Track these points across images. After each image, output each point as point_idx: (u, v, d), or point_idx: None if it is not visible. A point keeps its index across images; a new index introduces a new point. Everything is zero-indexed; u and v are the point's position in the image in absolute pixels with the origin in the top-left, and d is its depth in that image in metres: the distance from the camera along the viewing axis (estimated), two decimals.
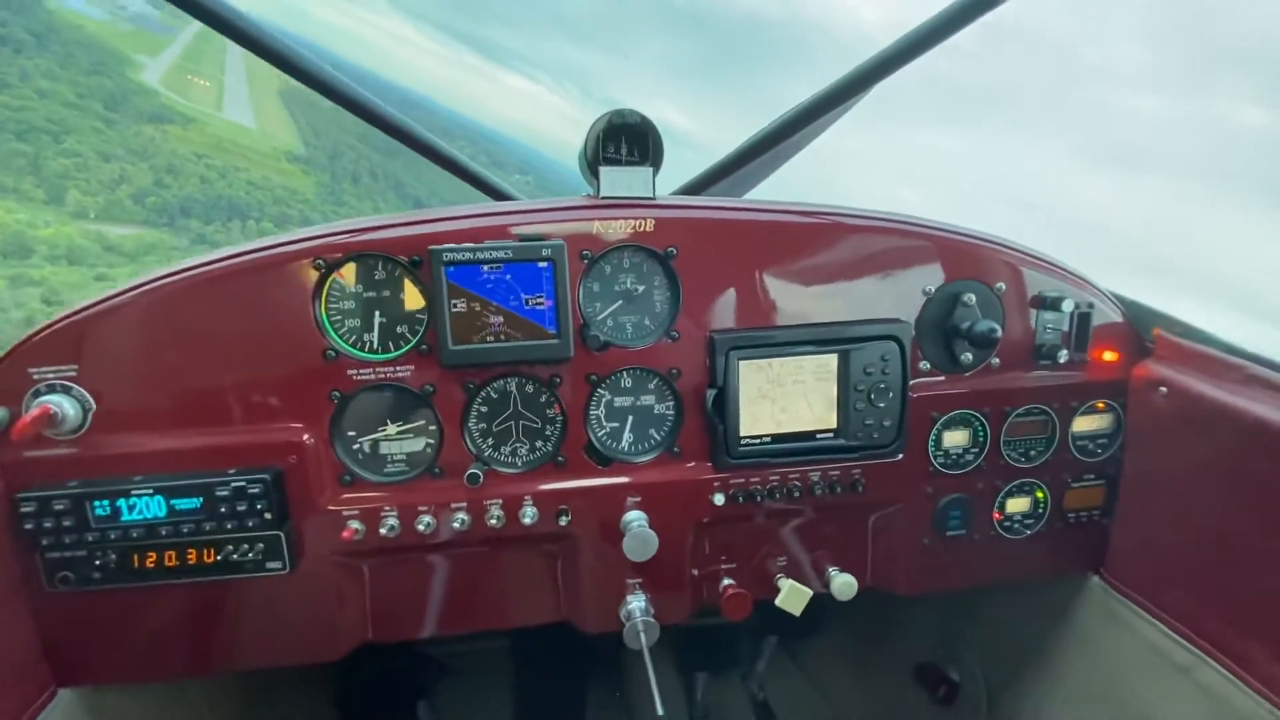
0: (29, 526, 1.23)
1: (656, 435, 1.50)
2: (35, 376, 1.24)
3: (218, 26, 1.47)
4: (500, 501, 1.41)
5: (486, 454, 1.43)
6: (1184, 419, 1.47)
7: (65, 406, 1.23)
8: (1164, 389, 1.50)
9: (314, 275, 1.30)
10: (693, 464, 1.50)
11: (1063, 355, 1.56)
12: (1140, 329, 1.61)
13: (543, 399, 1.43)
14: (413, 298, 1.34)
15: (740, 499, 1.49)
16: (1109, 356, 1.60)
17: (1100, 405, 1.61)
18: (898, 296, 1.51)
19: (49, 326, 1.25)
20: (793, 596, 1.52)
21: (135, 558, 1.29)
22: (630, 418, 1.48)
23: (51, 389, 1.25)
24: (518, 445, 1.44)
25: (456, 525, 1.39)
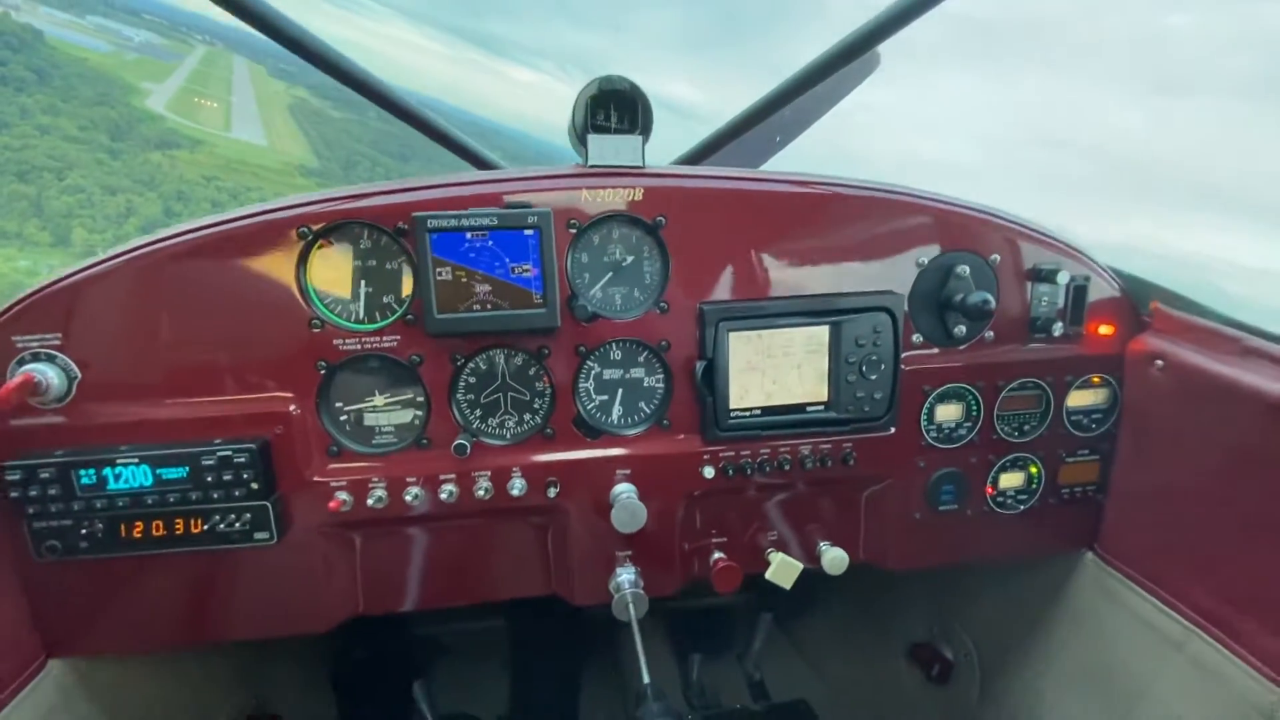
0: (15, 495, 1.22)
1: (646, 408, 1.49)
2: (19, 345, 1.23)
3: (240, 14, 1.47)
4: (488, 473, 1.40)
5: (475, 426, 1.43)
6: (1181, 392, 1.45)
7: (49, 375, 1.22)
8: (1160, 362, 1.49)
9: (299, 243, 1.29)
10: (682, 436, 1.49)
11: (1058, 328, 1.55)
12: (1137, 302, 1.59)
13: (531, 371, 1.42)
14: (398, 267, 1.33)
15: (730, 472, 1.48)
16: (1105, 330, 1.58)
17: (1096, 380, 1.59)
18: (890, 268, 1.49)
19: (32, 294, 1.24)
20: (783, 570, 1.51)
21: (122, 527, 1.29)
22: (620, 390, 1.47)
23: (36, 357, 1.24)
24: (506, 417, 1.43)
25: (444, 497, 1.38)
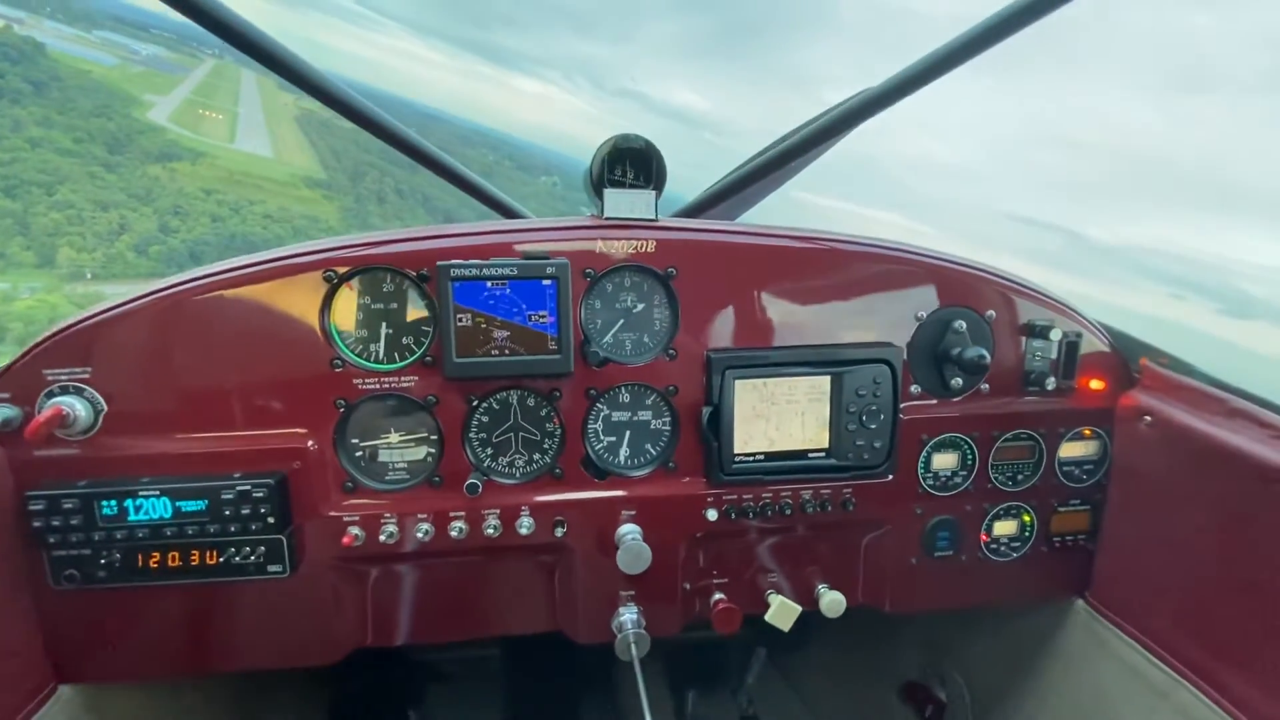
0: (37, 524, 1.25)
1: (653, 450, 1.53)
2: (49, 378, 1.27)
3: (235, 41, 1.51)
4: (498, 511, 1.44)
5: (485, 464, 1.47)
6: (1167, 449, 1.50)
7: (77, 408, 1.26)
8: (1148, 418, 1.54)
9: (324, 286, 1.34)
10: (687, 479, 1.53)
11: (1050, 383, 1.60)
12: (1127, 358, 1.65)
13: (542, 412, 1.47)
14: (419, 311, 1.38)
15: (733, 515, 1.52)
16: (1096, 385, 1.64)
17: (1087, 432, 1.64)
18: (890, 321, 1.55)
19: (65, 329, 1.28)
20: (782, 612, 1.55)
21: (140, 558, 1.32)
22: (627, 432, 1.52)
23: (65, 390, 1.28)
24: (516, 456, 1.48)
25: (454, 534, 1.42)
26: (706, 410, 1.48)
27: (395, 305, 1.38)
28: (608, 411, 1.50)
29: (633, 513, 1.50)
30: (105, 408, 1.30)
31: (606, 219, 1.45)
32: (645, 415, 1.52)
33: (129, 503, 1.29)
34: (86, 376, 1.29)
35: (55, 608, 1.35)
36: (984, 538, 1.67)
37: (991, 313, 1.58)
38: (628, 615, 1.51)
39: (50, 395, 1.27)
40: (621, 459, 1.52)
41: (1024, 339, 1.61)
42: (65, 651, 1.38)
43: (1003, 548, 1.68)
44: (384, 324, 1.38)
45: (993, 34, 1.40)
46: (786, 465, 1.53)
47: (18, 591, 1.30)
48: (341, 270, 1.34)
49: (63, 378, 1.28)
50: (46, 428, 1.21)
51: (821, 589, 1.61)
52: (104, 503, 1.28)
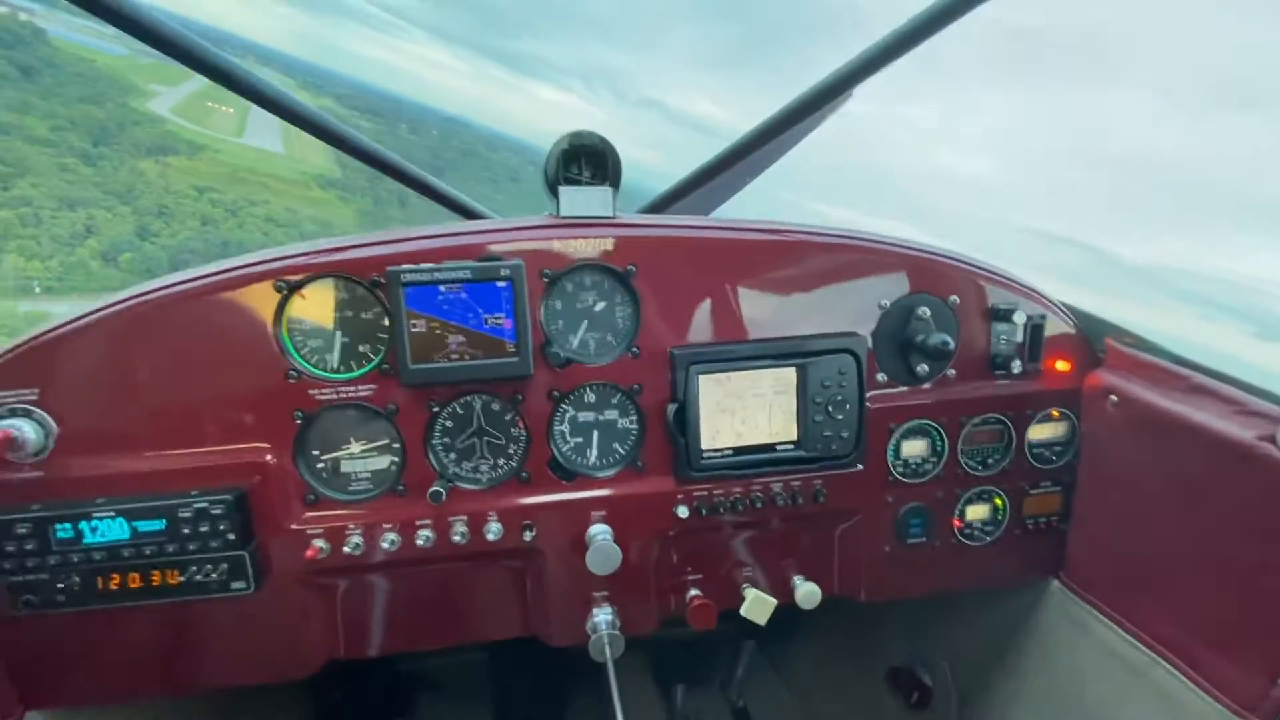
0: None
1: (620, 449, 1.52)
2: None
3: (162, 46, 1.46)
4: (465, 518, 1.43)
5: (450, 471, 1.45)
6: (1133, 427, 1.51)
7: (26, 430, 1.24)
8: (1114, 397, 1.54)
9: (276, 296, 1.31)
10: (656, 477, 1.52)
11: (1016, 366, 1.60)
12: (1092, 339, 1.65)
13: (507, 416, 1.45)
14: (373, 318, 1.36)
15: (703, 511, 1.52)
16: (1062, 366, 1.64)
17: (1055, 414, 1.64)
18: (854, 310, 1.54)
19: (10, 351, 1.26)
20: (757, 606, 1.54)
21: (99, 580, 1.29)
22: (595, 432, 1.51)
23: (13, 413, 1.25)
24: (481, 462, 1.46)
25: (421, 542, 1.40)
26: (672, 407, 1.47)
27: (350, 313, 1.36)
28: (573, 412, 1.49)
29: (602, 514, 1.49)
30: (56, 429, 1.27)
31: (563, 218, 1.43)
32: (611, 415, 1.51)
33: (84, 525, 1.26)
34: (34, 398, 1.26)
35: (16, 634, 1.32)
36: (957, 523, 1.67)
37: (955, 298, 1.57)
38: (602, 616, 1.50)
39: None
40: (589, 460, 1.51)
41: (989, 323, 1.61)
42: (30, 677, 1.36)
43: (976, 532, 1.69)
44: (339, 332, 1.36)
45: (942, 19, 1.39)
46: (755, 459, 1.52)
47: None
48: (293, 279, 1.32)
49: (10, 400, 1.25)
50: None
51: (797, 581, 1.61)
52: (59, 525, 1.25)
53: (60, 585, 1.28)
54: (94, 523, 1.27)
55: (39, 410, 1.26)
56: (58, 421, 1.27)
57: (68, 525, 1.26)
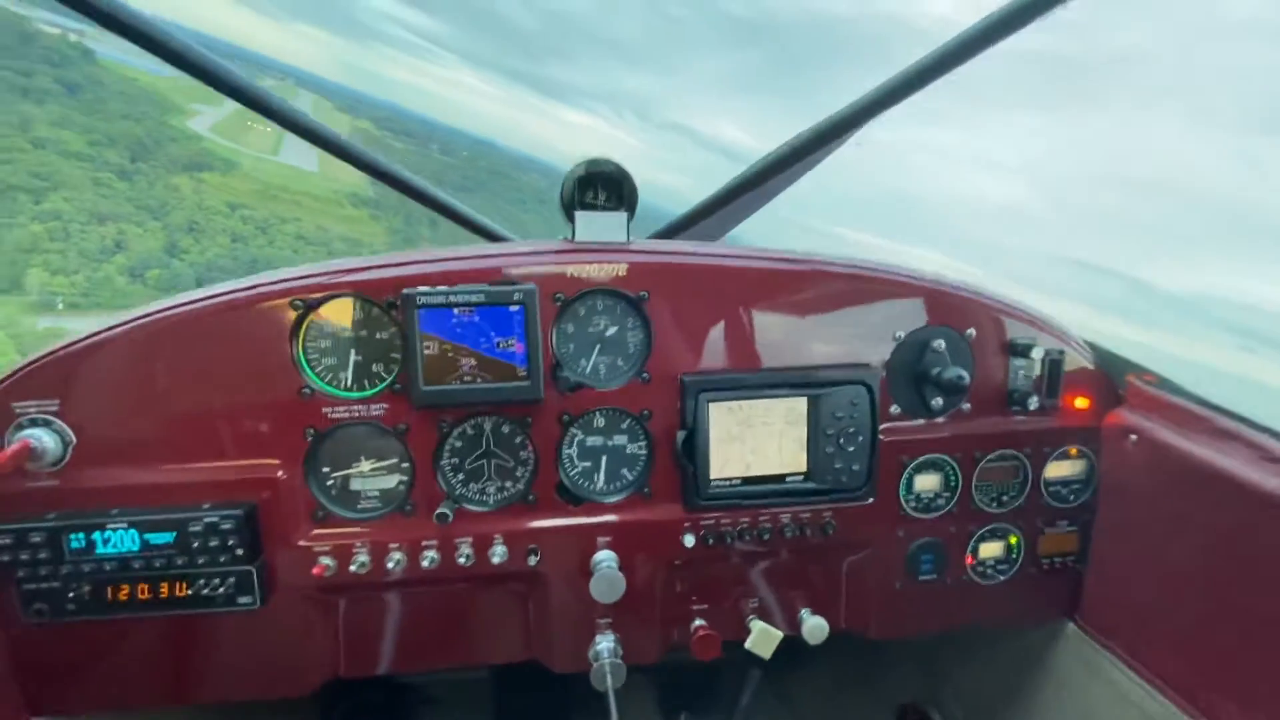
0: (5, 559, 1.25)
1: (628, 475, 1.51)
2: (17, 411, 1.27)
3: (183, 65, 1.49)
4: (470, 540, 1.43)
5: (458, 491, 1.45)
6: (1154, 468, 1.47)
7: (45, 440, 1.26)
8: (1135, 437, 1.51)
9: (292, 315, 1.33)
10: (663, 505, 1.51)
11: (1034, 402, 1.57)
12: (1113, 376, 1.62)
13: (516, 439, 1.45)
14: (387, 338, 1.37)
15: (710, 540, 1.50)
16: (1081, 403, 1.61)
17: (1073, 451, 1.61)
18: (868, 341, 1.53)
19: (34, 362, 1.28)
20: (762, 640, 1.52)
21: (109, 590, 1.31)
22: (603, 457, 1.50)
23: (34, 423, 1.28)
24: (488, 483, 1.46)
25: (426, 563, 1.40)
26: (681, 434, 1.46)
27: (364, 333, 1.37)
28: (582, 437, 1.49)
29: (608, 539, 1.48)
30: (74, 440, 1.30)
31: (578, 243, 1.44)
32: (620, 440, 1.50)
33: (96, 535, 1.28)
34: (55, 409, 1.28)
35: (26, 641, 1.34)
36: (969, 560, 1.64)
37: (971, 331, 1.55)
38: (604, 644, 1.48)
39: (19, 428, 1.27)
40: (597, 485, 1.50)
41: (1007, 357, 1.59)
42: (37, 684, 1.37)
43: (989, 570, 1.65)
44: (353, 351, 1.37)
45: (983, 40, 1.37)
46: (764, 489, 1.50)
47: None
48: (310, 298, 1.33)
49: (31, 410, 1.28)
50: (14, 461, 1.21)
51: (804, 614, 1.58)
52: (72, 536, 1.27)
53: (71, 594, 1.30)
54: (106, 533, 1.28)
55: (59, 421, 1.29)
56: (76, 433, 1.30)
57: (80, 535, 1.28)
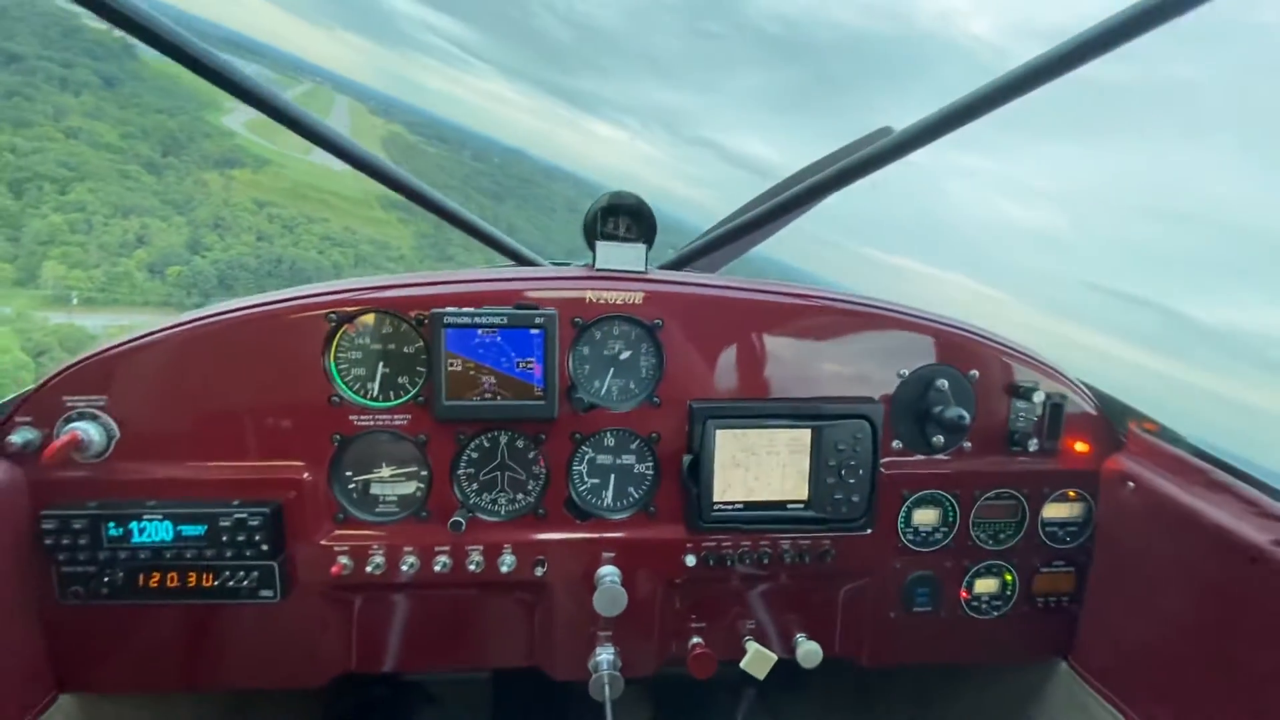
0: (49, 542, 1.34)
1: (635, 494, 1.57)
2: (68, 404, 1.36)
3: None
4: (481, 548, 1.49)
5: (471, 501, 1.52)
6: (1150, 516, 1.50)
7: (92, 433, 1.35)
8: (1132, 484, 1.54)
9: (326, 327, 1.41)
10: (667, 524, 1.56)
11: (1034, 444, 1.61)
12: (1114, 422, 1.65)
13: (530, 454, 1.52)
14: (414, 353, 1.45)
15: (711, 561, 1.55)
16: (1080, 447, 1.64)
17: (1071, 494, 1.64)
18: (873, 376, 1.58)
19: (87, 358, 1.38)
20: (757, 661, 1.56)
21: (141, 577, 1.39)
22: (611, 475, 1.56)
23: (82, 416, 1.37)
24: (500, 495, 1.53)
25: (438, 568, 1.47)
26: (687, 458, 1.52)
27: (393, 346, 1.45)
28: (592, 455, 1.55)
29: (612, 555, 1.54)
30: (118, 434, 1.38)
31: (598, 270, 1.51)
32: (629, 460, 1.56)
33: (133, 525, 1.36)
34: (103, 404, 1.37)
35: (60, 620, 1.42)
36: (964, 594, 1.67)
37: (975, 372, 1.60)
38: (604, 655, 1.54)
39: (68, 420, 1.36)
40: (604, 501, 1.56)
41: (1009, 399, 1.63)
42: (67, 662, 1.46)
43: (984, 605, 1.68)
44: (381, 364, 1.45)
45: (1007, 92, 1.33)
46: (765, 515, 1.55)
47: (27, 603, 1.38)
48: (344, 312, 1.41)
49: (80, 404, 1.37)
50: (63, 451, 1.30)
51: (800, 638, 1.62)
52: (110, 524, 1.36)
53: (106, 579, 1.38)
54: (142, 524, 1.37)
55: (105, 415, 1.38)
56: (120, 427, 1.38)
57: (119, 524, 1.36)
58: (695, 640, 1.62)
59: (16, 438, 1.33)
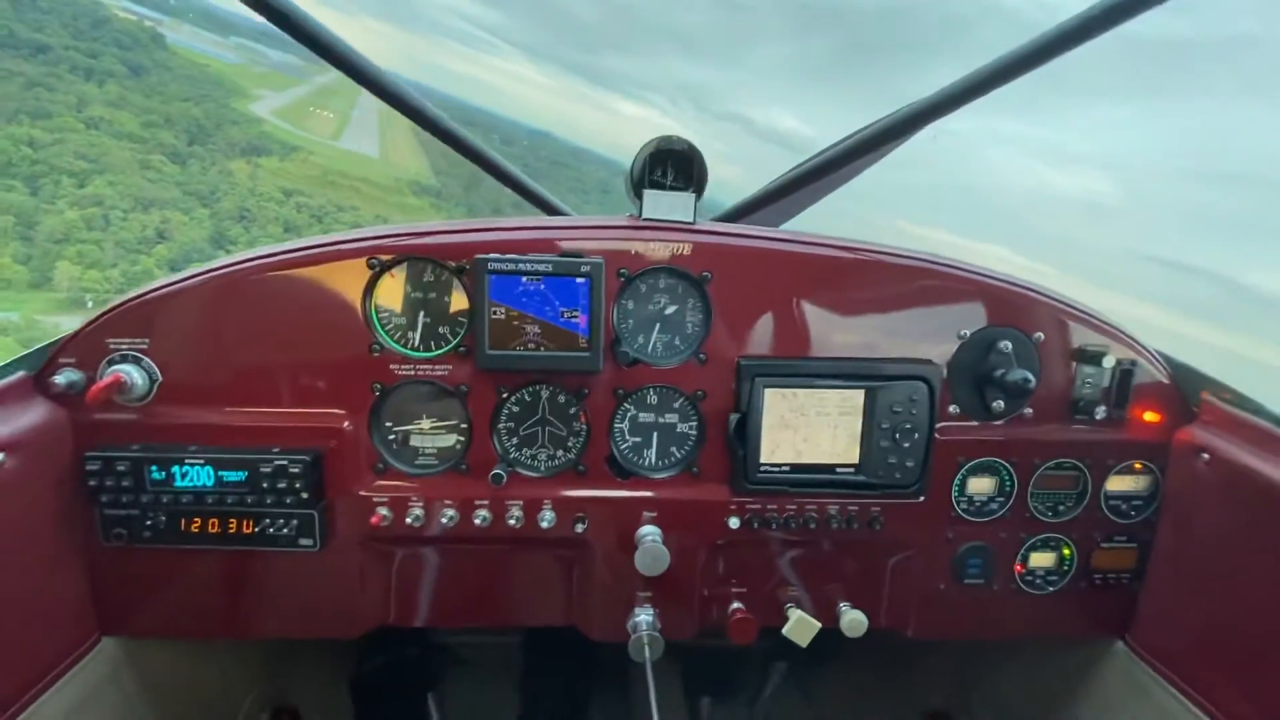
0: (92, 483, 1.33)
1: (677, 453, 1.53)
2: (111, 346, 1.35)
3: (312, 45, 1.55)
4: (521, 503, 1.46)
5: (511, 455, 1.49)
6: (1225, 489, 1.41)
7: (134, 376, 1.34)
8: (1206, 456, 1.45)
9: (367, 274, 1.38)
10: (711, 485, 1.52)
11: (1100, 411, 1.53)
12: (1186, 392, 1.56)
13: (571, 409, 1.48)
14: (457, 301, 1.41)
15: (755, 524, 1.50)
16: (1150, 417, 1.55)
17: (1138, 466, 1.56)
18: (931, 337, 1.50)
19: (128, 301, 1.36)
20: (800, 628, 1.52)
21: (183, 521, 1.39)
22: (654, 434, 1.52)
23: (125, 358, 1.36)
24: (541, 450, 1.49)
25: (478, 522, 1.44)
26: (734, 417, 1.46)
27: (434, 295, 1.41)
28: (635, 412, 1.50)
29: (654, 515, 1.50)
30: (160, 377, 1.37)
31: (644, 220, 1.45)
32: (672, 418, 1.51)
33: (175, 469, 1.36)
34: (145, 347, 1.36)
35: (103, 563, 1.43)
36: (1019, 568, 1.60)
37: (1040, 334, 1.51)
38: (643, 616, 1.50)
39: (111, 363, 1.35)
40: (646, 460, 1.52)
41: (1075, 364, 1.54)
42: (110, 605, 1.47)
43: (1039, 580, 1.61)
44: (422, 313, 1.41)
45: (1053, 48, 1.33)
46: (813, 478, 1.50)
47: (71, 545, 1.39)
48: (385, 258, 1.38)
49: (123, 347, 1.36)
50: (106, 393, 1.29)
51: (843, 607, 1.57)
52: (153, 467, 1.35)
53: (149, 522, 1.38)
54: (185, 468, 1.36)
55: (147, 359, 1.36)
56: (162, 370, 1.37)
57: (161, 468, 1.35)
58: (735, 605, 1.58)
59: (60, 379, 1.32)
